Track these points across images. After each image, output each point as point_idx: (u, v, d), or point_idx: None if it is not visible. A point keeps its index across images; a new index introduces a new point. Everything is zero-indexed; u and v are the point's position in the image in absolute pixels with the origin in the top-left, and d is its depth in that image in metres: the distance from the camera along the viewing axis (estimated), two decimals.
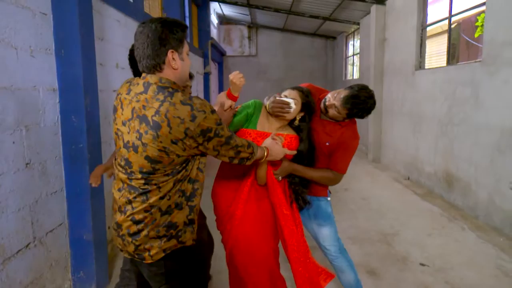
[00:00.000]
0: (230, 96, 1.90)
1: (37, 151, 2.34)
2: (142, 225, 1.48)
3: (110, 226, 3.16)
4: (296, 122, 2.11)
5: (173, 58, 1.45)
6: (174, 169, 1.46)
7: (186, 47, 1.51)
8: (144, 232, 1.49)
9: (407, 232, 4.09)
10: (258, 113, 2.13)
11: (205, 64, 9.95)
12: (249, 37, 14.47)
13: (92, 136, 2.67)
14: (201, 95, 9.73)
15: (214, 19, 12.71)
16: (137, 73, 2.23)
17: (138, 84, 1.47)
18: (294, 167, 2.13)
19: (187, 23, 8.42)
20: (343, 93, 2.09)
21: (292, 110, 2.02)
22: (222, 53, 13.67)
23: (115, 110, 1.55)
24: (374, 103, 2.11)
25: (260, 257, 2.09)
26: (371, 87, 7.75)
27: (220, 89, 13.89)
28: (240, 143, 1.60)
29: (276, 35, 14.36)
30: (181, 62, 1.49)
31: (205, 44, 9.98)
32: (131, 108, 1.44)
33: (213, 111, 1.44)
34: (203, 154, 1.58)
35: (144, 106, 1.40)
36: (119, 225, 1.54)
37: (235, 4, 10.68)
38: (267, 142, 1.89)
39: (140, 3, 4.71)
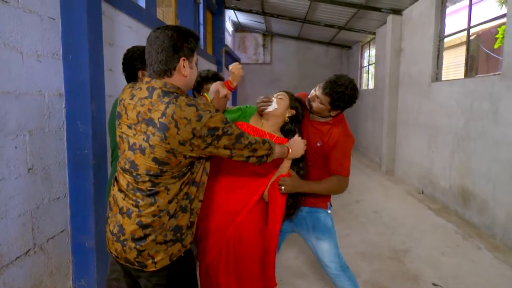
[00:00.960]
0: (227, 86, 1.94)
1: (40, 156, 2.31)
2: (149, 229, 1.46)
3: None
4: (286, 119, 2.09)
5: (183, 66, 1.50)
6: (180, 171, 1.47)
7: (195, 57, 1.58)
8: (152, 237, 1.46)
9: (419, 249, 3.94)
10: (252, 113, 2.15)
11: (219, 71, 9.96)
12: (263, 45, 14.46)
13: (97, 141, 2.64)
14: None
15: (229, 27, 12.76)
16: (130, 78, 2.18)
17: (141, 89, 1.49)
18: (301, 185, 2.05)
19: (201, 30, 8.45)
20: (323, 83, 2.11)
21: (272, 105, 2.03)
22: (236, 61, 13.69)
23: (119, 116, 1.55)
24: (354, 88, 2.07)
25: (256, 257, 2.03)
26: (386, 98, 7.57)
27: (233, 96, 13.87)
28: (254, 140, 1.61)
29: (291, 44, 14.32)
30: (190, 70, 1.54)
31: (219, 51, 9.99)
32: (136, 112, 1.46)
33: (217, 111, 1.47)
34: (214, 157, 1.59)
35: (149, 110, 1.42)
36: (121, 229, 1.49)
37: (250, 12, 10.69)
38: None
39: (153, 10, 4.72)
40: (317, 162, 2.17)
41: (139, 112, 1.45)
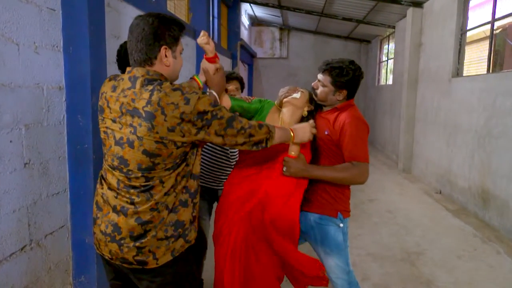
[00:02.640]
0: (209, 59, 1.83)
1: (38, 150, 2.27)
2: (150, 225, 1.41)
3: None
4: (305, 113, 2.04)
5: (165, 55, 1.43)
6: (174, 162, 1.42)
7: (180, 46, 1.51)
8: (152, 233, 1.41)
9: (434, 252, 3.77)
10: (267, 110, 2.10)
11: (233, 65, 9.86)
12: (280, 39, 14.28)
13: (98, 136, 2.53)
14: None
15: (245, 21, 12.63)
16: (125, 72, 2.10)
17: (123, 79, 1.43)
18: (310, 169, 1.89)
19: (215, 23, 8.36)
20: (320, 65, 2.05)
21: (297, 94, 2.02)
22: (252, 55, 13.57)
23: (102, 110, 1.48)
24: (353, 63, 1.99)
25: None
26: (404, 94, 7.34)
27: (249, 91, 13.78)
28: (248, 125, 1.52)
29: (308, 38, 14.10)
30: (173, 60, 1.48)
31: (234, 45, 9.89)
32: (119, 104, 1.39)
33: (203, 93, 1.41)
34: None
35: (133, 100, 1.36)
36: (116, 228, 1.42)
37: (266, 5, 10.53)
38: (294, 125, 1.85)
39: (162, 2, 4.65)
40: (329, 152, 1.99)
41: (122, 103, 1.38)
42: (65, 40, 2.45)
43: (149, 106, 1.32)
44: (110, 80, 1.50)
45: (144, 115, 1.33)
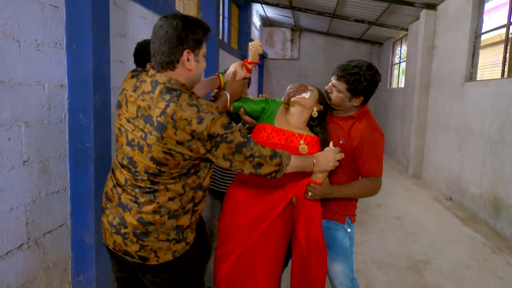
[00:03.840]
0: (246, 67, 1.82)
1: (38, 148, 2.25)
2: (151, 227, 1.43)
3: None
4: (314, 113, 1.93)
5: (188, 59, 1.42)
6: (180, 172, 1.42)
7: (203, 50, 1.48)
8: (154, 235, 1.44)
9: (441, 261, 3.67)
10: (276, 110, 1.98)
11: None
12: (291, 40, 14.19)
13: (100, 135, 2.55)
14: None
15: (256, 21, 12.59)
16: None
17: (145, 81, 1.43)
18: (332, 191, 1.85)
19: (226, 23, 8.32)
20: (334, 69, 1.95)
21: (307, 94, 1.90)
22: (262, 55, 13.51)
23: (119, 105, 1.50)
24: (370, 67, 1.86)
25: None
26: (415, 97, 7.21)
27: (259, 91, 13.73)
28: (259, 153, 1.45)
29: (319, 39, 13.98)
30: (196, 64, 1.46)
31: (245, 45, 9.84)
32: (136, 106, 1.41)
33: (220, 113, 1.38)
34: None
35: (149, 106, 1.37)
36: (123, 221, 1.46)
37: (277, 6, 10.46)
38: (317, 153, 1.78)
39: (171, 0, 4.63)
40: (342, 162, 1.91)
41: (139, 106, 1.40)
42: (68, 38, 2.43)
43: (162, 116, 1.32)
44: (132, 77, 1.50)
45: (156, 124, 1.34)
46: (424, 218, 5.01)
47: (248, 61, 1.82)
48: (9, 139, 2.03)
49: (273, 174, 1.53)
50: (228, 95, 1.79)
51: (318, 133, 1.95)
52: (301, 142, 1.90)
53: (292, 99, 1.91)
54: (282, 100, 1.99)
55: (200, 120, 1.32)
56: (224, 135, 1.36)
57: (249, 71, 1.84)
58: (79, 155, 2.51)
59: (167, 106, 1.33)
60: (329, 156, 1.75)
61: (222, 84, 1.83)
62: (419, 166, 7.58)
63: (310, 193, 1.80)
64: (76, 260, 2.61)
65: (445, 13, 6.79)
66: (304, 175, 1.84)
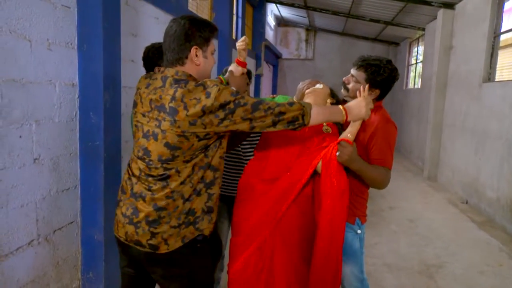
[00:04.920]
0: (239, 63, 1.95)
1: (48, 146, 2.29)
2: (164, 212, 1.48)
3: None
4: (328, 104, 1.96)
5: (196, 55, 1.51)
6: (193, 155, 1.47)
7: (211, 47, 1.58)
8: (166, 220, 1.48)
9: (454, 266, 3.59)
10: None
11: (257, 66, 9.81)
12: (306, 40, 14.12)
13: (110, 134, 2.58)
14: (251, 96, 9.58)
15: (271, 21, 12.57)
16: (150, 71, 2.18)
17: (156, 79, 1.53)
18: (357, 160, 1.75)
19: (239, 23, 8.33)
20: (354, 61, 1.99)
21: (320, 85, 1.97)
22: (277, 56, 13.48)
23: (135, 104, 1.60)
24: (389, 62, 1.91)
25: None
26: (432, 98, 7.05)
27: (274, 92, 13.70)
28: (275, 105, 1.49)
29: (334, 39, 13.87)
30: (204, 60, 1.55)
31: (259, 45, 9.84)
32: (149, 100, 1.50)
33: (226, 84, 1.51)
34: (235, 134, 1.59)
35: (160, 96, 1.46)
36: (135, 211, 1.51)
37: (292, 6, 10.42)
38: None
39: (183, 1, 4.65)
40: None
41: (151, 99, 1.49)
42: (79, 37, 2.46)
43: (173, 102, 1.40)
44: (146, 78, 1.60)
45: (168, 110, 1.41)
46: (438, 222, 4.91)
47: (238, 60, 1.95)
48: (20, 137, 2.07)
49: (300, 120, 1.52)
50: (234, 89, 1.84)
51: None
52: (324, 124, 1.90)
53: (306, 91, 1.95)
54: (294, 98, 2.02)
55: (208, 95, 1.39)
56: (236, 101, 1.42)
57: (242, 65, 1.94)
58: (89, 153, 2.54)
59: (175, 91, 1.41)
60: (361, 103, 1.70)
61: (224, 83, 1.91)
62: (434, 168, 7.43)
63: (339, 152, 1.71)
64: (85, 257, 2.65)
65: (463, 12, 6.64)
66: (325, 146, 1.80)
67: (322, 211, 1.75)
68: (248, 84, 2.53)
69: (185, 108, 1.39)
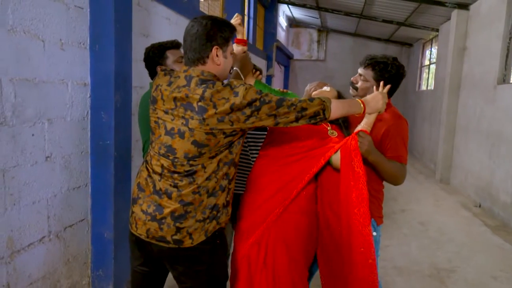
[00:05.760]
0: (238, 41, 1.98)
1: (60, 145, 2.32)
2: (191, 207, 1.50)
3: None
4: None
5: (216, 55, 1.53)
6: (218, 151, 1.51)
7: (230, 47, 1.61)
8: (192, 214, 1.51)
9: (467, 270, 3.53)
10: None
11: (269, 66, 9.81)
12: (318, 41, 14.06)
13: (120, 133, 2.61)
14: None
15: (283, 22, 12.56)
16: (152, 73, 2.22)
17: (179, 77, 1.53)
18: (374, 151, 1.76)
19: (251, 24, 8.34)
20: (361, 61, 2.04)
21: (327, 88, 2.01)
22: (289, 56, 13.46)
23: (155, 101, 1.59)
24: (396, 59, 1.96)
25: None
26: (445, 100, 6.97)
27: None
28: (297, 101, 1.54)
29: (346, 40, 13.79)
30: (224, 60, 1.57)
31: (270, 46, 9.84)
32: (173, 97, 1.50)
33: (250, 85, 1.51)
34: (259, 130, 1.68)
35: (187, 95, 1.47)
36: (159, 208, 1.52)
37: (304, 6, 10.40)
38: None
39: (195, 1, 4.68)
40: None
41: (176, 97, 1.49)
42: (91, 37, 2.49)
43: (202, 101, 1.43)
44: (165, 74, 1.59)
45: (197, 109, 1.44)
46: (451, 225, 4.83)
47: (236, 39, 1.99)
48: (33, 135, 2.11)
49: (321, 114, 1.56)
50: (237, 69, 1.93)
51: (341, 124, 2.00)
52: (329, 128, 1.95)
53: (314, 93, 1.98)
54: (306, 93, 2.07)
55: (236, 94, 1.44)
56: (261, 99, 1.46)
57: (242, 42, 2.00)
58: (100, 152, 2.57)
59: (204, 91, 1.44)
60: (378, 96, 1.75)
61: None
62: (447, 171, 7.33)
63: (359, 143, 1.71)
64: (95, 255, 2.68)
65: (478, 13, 6.54)
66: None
67: (349, 205, 1.71)
68: (259, 72, 2.38)
69: (214, 106, 1.43)
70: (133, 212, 1.61)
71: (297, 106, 1.52)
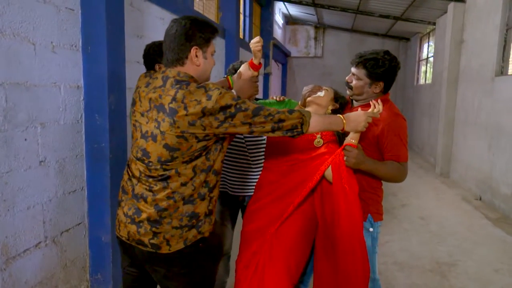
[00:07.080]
0: (252, 66, 1.84)
1: (54, 149, 2.30)
2: (165, 213, 1.49)
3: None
4: (329, 111, 2.02)
5: (196, 55, 1.50)
6: (192, 156, 1.47)
7: (211, 48, 1.57)
8: (167, 220, 1.49)
9: (468, 264, 3.51)
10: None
11: (266, 64, 9.78)
12: (315, 38, 14.02)
13: (115, 135, 2.59)
14: (260, 97, 9.57)
15: (279, 19, 12.52)
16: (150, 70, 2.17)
17: (157, 78, 1.52)
18: (366, 161, 1.78)
19: (247, 22, 8.31)
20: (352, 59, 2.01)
21: (321, 93, 1.98)
22: (286, 54, 13.43)
23: (134, 103, 1.59)
24: (387, 52, 1.91)
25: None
26: (443, 93, 6.95)
27: (283, 90, 13.66)
28: (275, 111, 1.51)
29: (343, 36, 13.74)
30: (204, 61, 1.54)
31: (267, 44, 9.80)
32: (148, 99, 1.49)
33: (227, 89, 1.49)
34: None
35: (160, 96, 1.45)
36: (138, 211, 1.51)
37: (300, 3, 10.35)
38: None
39: (189, 1, 4.65)
40: (365, 149, 1.89)
41: (151, 98, 1.48)
42: (83, 39, 2.47)
43: (173, 102, 1.40)
44: (145, 76, 1.60)
45: (168, 111, 1.41)
46: (451, 219, 4.82)
47: (252, 62, 1.84)
48: (25, 139, 2.08)
49: (298, 128, 1.54)
50: (234, 93, 1.78)
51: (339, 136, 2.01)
52: (318, 136, 1.95)
53: (308, 99, 1.99)
54: (299, 103, 2.06)
55: (209, 97, 1.39)
56: (237, 105, 1.42)
57: (255, 68, 1.85)
58: (95, 155, 2.55)
59: (176, 92, 1.41)
60: (361, 117, 1.72)
61: (231, 85, 1.87)
62: (447, 164, 7.31)
63: (346, 157, 1.75)
64: (93, 258, 2.66)
65: (474, 5, 6.51)
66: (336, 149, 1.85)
67: (341, 219, 1.78)
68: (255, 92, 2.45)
69: (185, 108, 1.39)
70: (117, 214, 1.63)
71: (275, 117, 1.49)
